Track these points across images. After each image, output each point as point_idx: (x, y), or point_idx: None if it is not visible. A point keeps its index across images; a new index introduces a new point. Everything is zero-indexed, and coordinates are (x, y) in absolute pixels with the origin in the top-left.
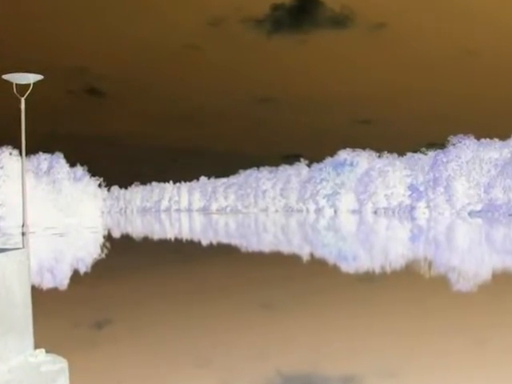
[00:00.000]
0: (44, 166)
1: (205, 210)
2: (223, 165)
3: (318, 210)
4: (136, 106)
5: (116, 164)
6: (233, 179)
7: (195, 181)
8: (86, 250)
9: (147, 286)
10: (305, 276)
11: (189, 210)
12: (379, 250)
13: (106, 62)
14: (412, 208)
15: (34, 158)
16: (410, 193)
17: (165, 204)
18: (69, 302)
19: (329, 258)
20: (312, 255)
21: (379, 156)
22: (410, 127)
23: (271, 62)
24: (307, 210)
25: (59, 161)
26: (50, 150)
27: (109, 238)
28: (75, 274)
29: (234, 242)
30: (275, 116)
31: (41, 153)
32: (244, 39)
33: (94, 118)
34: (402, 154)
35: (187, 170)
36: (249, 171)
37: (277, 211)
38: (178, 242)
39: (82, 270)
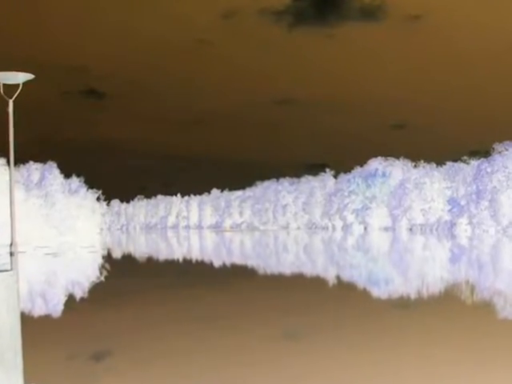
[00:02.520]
0: (35, 176)
1: (217, 227)
2: (238, 176)
3: (346, 227)
4: (140, 110)
5: (117, 175)
6: (249, 192)
7: (206, 194)
8: (83, 272)
9: (152, 312)
10: (331, 302)
11: (199, 227)
12: (415, 272)
13: (107, 60)
14: (452, 225)
15: (24, 168)
16: (449, 207)
17: (172, 220)
18: (63, 330)
19: (358, 281)
20: (339, 278)
21: (415, 166)
22: (449, 133)
23: (292, 58)
24: (333, 227)
25: (52, 171)
26: (41, 158)
27: (108, 258)
28: (70, 300)
29: (251, 263)
30: (297, 120)
31: (32, 162)
32: (261, 34)
33: (92, 122)
34: (440, 163)
35: (197, 182)
36: (267, 183)
37: (299, 228)
38: (186, 263)
39: (78, 294)
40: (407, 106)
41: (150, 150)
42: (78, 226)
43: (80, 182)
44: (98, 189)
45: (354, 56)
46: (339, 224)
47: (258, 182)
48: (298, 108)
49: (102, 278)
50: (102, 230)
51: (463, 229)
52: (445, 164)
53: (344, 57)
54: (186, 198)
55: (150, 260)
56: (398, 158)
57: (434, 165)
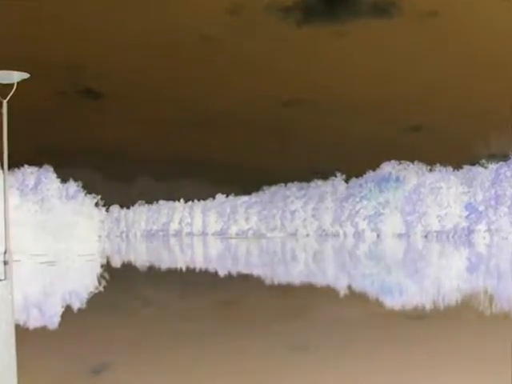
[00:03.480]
0: (30, 181)
1: (222, 234)
2: (244, 180)
3: (358, 234)
4: (140, 110)
5: (116, 179)
6: (255, 197)
7: (211, 199)
8: (81, 281)
9: (153, 324)
10: (343, 313)
11: (203, 234)
12: (431, 282)
13: (105, 59)
14: (470, 231)
15: (19, 172)
16: (467, 213)
17: (174, 227)
18: (60, 343)
19: (371, 291)
20: (350, 288)
21: (430, 170)
22: (467, 135)
23: (301, 56)
24: (344, 234)
25: (48, 175)
26: (37, 162)
27: (107, 267)
28: (67, 311)
29: (257, 272)
30: (306, 121)
31: (26, 166)
32: (269, 30)
33: (89, 123)
34: (457, 166)
35: (201, 187)
36: (274, 188)
37: (308, 235)
38: (190, 272)
39: (76, 305)
40: (423, 108)
41: (152, 153)
42: (76, 233)
43: (78, 186)
44: (97, 194)
45: (366, 54)
46: (350, 231)
47: (265, 187)
48: (306, 109)
49: (101, 288)
50: (100, 237)
51: (481, 236)
52: (462, 168)
53: (356, 55)
54: (190, 203)
55: (151, 268)
56: (412, 161)
57: (451, 168)
